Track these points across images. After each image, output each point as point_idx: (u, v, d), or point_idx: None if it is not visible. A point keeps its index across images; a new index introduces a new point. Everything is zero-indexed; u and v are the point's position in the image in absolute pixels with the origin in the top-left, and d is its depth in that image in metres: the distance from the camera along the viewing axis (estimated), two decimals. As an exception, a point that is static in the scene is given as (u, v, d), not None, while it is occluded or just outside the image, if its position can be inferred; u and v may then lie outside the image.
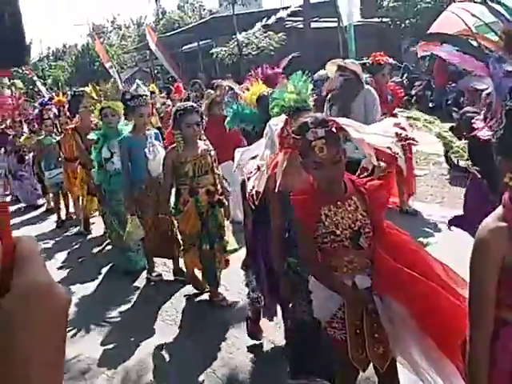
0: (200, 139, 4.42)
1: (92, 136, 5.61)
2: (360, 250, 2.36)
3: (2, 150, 9.63)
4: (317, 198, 2.38)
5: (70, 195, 7.79)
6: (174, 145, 4.30)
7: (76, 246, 6.93)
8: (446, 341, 2.22)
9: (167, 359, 3.90)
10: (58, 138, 7.63)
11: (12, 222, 0.56)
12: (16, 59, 0.55)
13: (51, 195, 8.31)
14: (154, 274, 5.29)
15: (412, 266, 2.33)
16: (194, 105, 4.45)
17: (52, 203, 8.44)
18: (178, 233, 4.70)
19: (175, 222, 4.57)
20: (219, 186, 4.41)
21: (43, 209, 9.33)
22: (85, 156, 6.23)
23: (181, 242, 4.62)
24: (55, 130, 8.16)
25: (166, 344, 4.08)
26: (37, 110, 8.95)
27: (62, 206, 8.10)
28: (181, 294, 4.83)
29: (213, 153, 4.41)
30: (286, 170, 2.79)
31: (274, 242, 3.03)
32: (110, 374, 3.79)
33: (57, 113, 8.22)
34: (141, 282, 5.36)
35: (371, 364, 2.48)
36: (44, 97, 11.95)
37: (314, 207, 2.36)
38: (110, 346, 4.20)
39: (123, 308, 4.85)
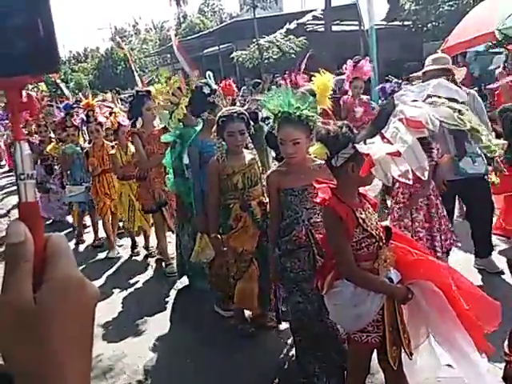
0: (247, 148, 3.99)
1: (167, 138, 4.80)
2: (390, 246, 2.50)
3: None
4: (350, 204, 2.46)
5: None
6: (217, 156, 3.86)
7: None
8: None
9: (188, 362, 3.91)
10: (87, 148, 6.55)
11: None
12: (48, 66, 0.58)
13: (76, 214, 7.24)
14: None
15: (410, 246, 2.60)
16: (241, 110, 3.93)
17: (75, 222, 7.44)
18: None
19: (225, 240, 3.91)
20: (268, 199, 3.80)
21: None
22: (145, 165, 5.31)
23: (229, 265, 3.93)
24: (82, 138, 7.17)
25: (186, 347, 4.11)
26: (62, 114, 7.67)
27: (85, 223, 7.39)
28: (205, 301, 4.75)
29: (260, 162, 3.99)
30: (288, 171, 3.12)
31: (271, 228, 3.37)
32: (130, 375, 3.82)
33: (85, 118, 6.97)
34: (164, 284, 5.42)
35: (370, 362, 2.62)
36: (68, 100, 11.17)
37: (352, 213, 2.43)
38: (131, 346, 4.24)
39: (145, 310, 4.89)
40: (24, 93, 0.59)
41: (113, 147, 6.25)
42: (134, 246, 6.51)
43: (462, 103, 2.42)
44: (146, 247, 6.41)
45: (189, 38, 28.74)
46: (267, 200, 3.86)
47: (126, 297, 5.22)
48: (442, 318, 2.43)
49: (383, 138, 2.55)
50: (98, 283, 5.63)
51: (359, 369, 2.68)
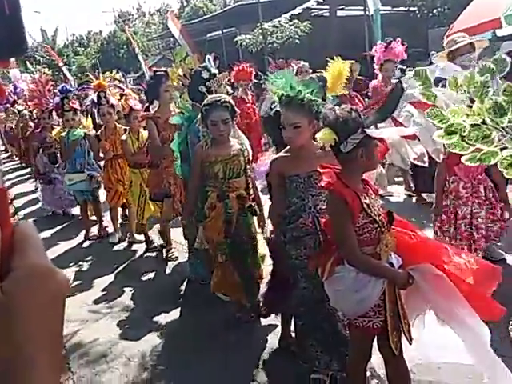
0: (235, 137, 3.94)
1: (175, 120, 4.59)
2: (391, 231, 2.52)
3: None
4: (355, 189, 2.47)
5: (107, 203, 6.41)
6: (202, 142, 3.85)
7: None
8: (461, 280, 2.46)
9: (186, 343, 3.93)
10: (98, 132, 6.22)
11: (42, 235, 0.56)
12: (15, 50, 0.56)
13: (78, 205, 6.89)
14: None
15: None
16: (225, 98, 3.84)
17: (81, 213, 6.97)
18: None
19: (201, 228, 4.00)
20: (252, 191, 3.92)
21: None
22: (158, 152, 5.04)
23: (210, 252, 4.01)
24: (86, 123, 6.63)
25: (184, 331, 4.13)
26: (57, 99, 6.74)
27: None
28: (205, 286, 4.59)
29: (247, 153, 3.92)
30: (292, 157, 3.09)
31: (273, 215, 3.30)
32: (129, 357, 3.84)
33: (95, 100, 6.34)
34: (165, 270, 5.45)
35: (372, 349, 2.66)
36: (68, 83, 10.56)
37: (357, 198, 2.44)
38: (130, 329, 4.27)
39: (143, 295, 4.93)
40: None
41: (124, 131, 5.97)
42: (148, 241, 6.10)
43: None
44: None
45: (192, 21, 28.55)
46: (251, 193, 3.90)
47: (125, 282, 5.23)
48: (445, 299, 2.42)
49: (395, 121, 2.53)
50: (103, 273, 5.66)
51: (360, 355, 2.69)
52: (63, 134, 6.43)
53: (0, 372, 0.48)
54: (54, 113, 7.48)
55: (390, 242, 2.49)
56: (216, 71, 4.44)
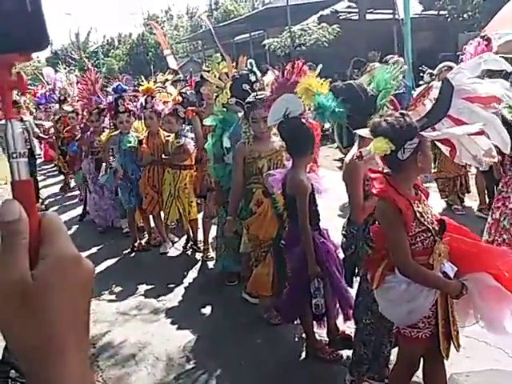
0: (276, 135, 3.92)
1: (209, 121, 4.67)
2: (443, 240, 2.41)
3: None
4: (408, 197, 2.36)
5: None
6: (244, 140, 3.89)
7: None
8: None
9: (213, 343, 3.96)
10: (141, 137, 5.94)
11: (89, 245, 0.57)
12: (37, 44, 0.57)
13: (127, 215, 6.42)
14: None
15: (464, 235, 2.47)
16: (267, 96, 3.85)
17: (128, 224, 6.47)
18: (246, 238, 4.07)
19: (244, 225, 4.00)
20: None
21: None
22: (200, 145, 5.21)
23: (251, 249, 4.05)
24: (137, 125, 6.24)
25: (212, 332, 4.16)
26: (110, 98, 6.20)
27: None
28: (234, 288, 4.78)
29: None
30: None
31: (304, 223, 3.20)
32: (158, 356, 3.88)
33: (143, 104, 5.89)
34: (194, 270, 5.49)
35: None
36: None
37: (410, 206, 2.34)
38: (159, 330, 4.30)
39: (172, 294, 4.96)
40: (14, 71, 0.57)
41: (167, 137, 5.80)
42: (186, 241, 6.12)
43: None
44: (195, 241, 6.05)
45: (220, 24, 28.68)
46: None
47: (154, 284, 5.25)
48: (497, 309, 2.34)
49: (454, 120, 2.40)
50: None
51: (409, 365, 2.63)
52: (113, 134, 6.15)
53: (34, 347, 0.53)
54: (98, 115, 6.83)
55: (443, 251, 2.39)
56: (260, 75, 4.48)
